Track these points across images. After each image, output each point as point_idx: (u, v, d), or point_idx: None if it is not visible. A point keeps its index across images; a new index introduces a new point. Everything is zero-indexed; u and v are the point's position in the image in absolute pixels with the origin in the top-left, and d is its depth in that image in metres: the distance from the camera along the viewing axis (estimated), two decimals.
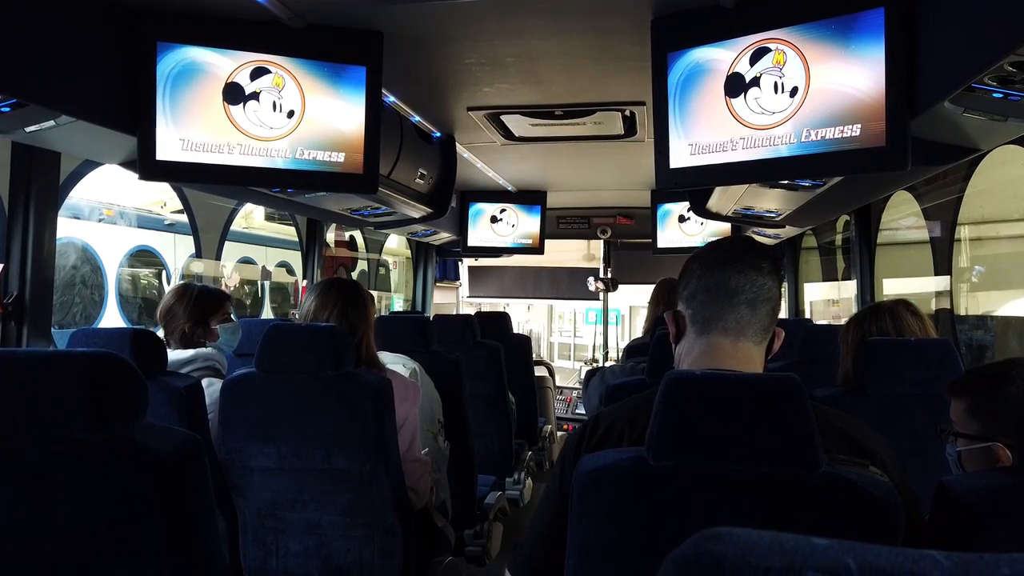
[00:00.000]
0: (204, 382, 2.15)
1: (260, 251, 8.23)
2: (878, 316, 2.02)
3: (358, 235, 7.87)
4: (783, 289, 4.94)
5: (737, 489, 1.01)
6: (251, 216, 8.10)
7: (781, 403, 1.00)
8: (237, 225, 7.25)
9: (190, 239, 6.58)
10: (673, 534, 1.04)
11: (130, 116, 2.01)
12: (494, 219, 5.15)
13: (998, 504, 0.92)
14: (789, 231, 3.98)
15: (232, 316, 2.49)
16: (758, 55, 1.84)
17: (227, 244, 6.85)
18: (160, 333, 2.35)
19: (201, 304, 2.39)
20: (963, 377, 1.35)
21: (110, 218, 6.07)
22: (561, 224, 5.66)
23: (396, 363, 2.63)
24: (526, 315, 13.36)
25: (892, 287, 4.07)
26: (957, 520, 0.93)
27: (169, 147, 2.06)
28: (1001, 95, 1.44)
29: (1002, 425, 1.25)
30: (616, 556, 1.04)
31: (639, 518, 1.04)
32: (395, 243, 8.77)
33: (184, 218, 6.39)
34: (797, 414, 0.99)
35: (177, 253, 6.93)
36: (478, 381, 3.61)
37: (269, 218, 8.25)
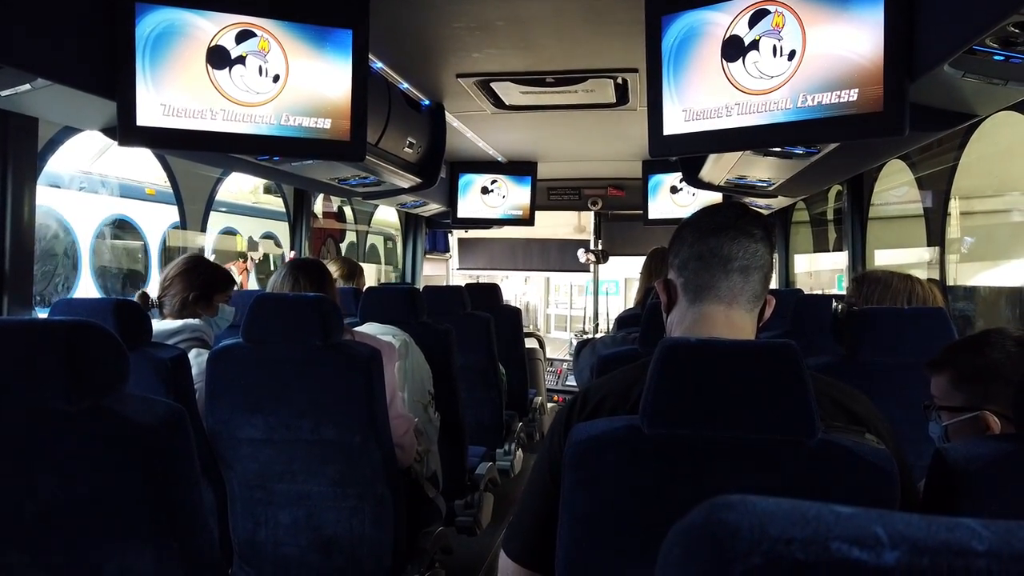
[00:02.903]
0: (191, 353, 2.12)
1: (280, 225, 8.15)
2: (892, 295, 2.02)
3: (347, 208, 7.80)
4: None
5: (732, 457, 1.00)
6: (258, 191, 8.03)
7: (779, 370, 0.98)
8: (247, 200, 7.16)
9: (226, 216, 6.53)
10: (667, 502, 1.03)
11: (109, 80, 1.95)
12: (485, 190, 5.09)
13: (997, 472, 0.90)
14: (781, 201, 3.96)
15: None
16: (757, 17, 1.80)
17: (246, 220, 6.80)
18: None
19: (212, 279, 2.38)
20: (942, 353, 1.35)
21: (152, 196, 5.98)
22: (552, 195, 5.62)
23: (386, 334, 2.60)
24: (523, 287, 13.43)
25: (883, 258, 4.06)
26: (955, 488, 0.91)
27: (150, 112, 2.00)
28: (1002, 57, 1.41)
29: (989, 392, 1.25)
30: (610, 525, 1.03)
31: (633, 487, 1.02)
32: (392, 215, 8.73)
33: (229, 197, 6.39)
34: (795, 381, 0.97)
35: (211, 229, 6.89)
36: (469, 352, 3.60)
37: (269, 191, 8.20)
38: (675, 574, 0.32)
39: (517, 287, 12.99)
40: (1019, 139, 3.24)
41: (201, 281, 2.34)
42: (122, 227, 5.72)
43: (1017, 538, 0.28)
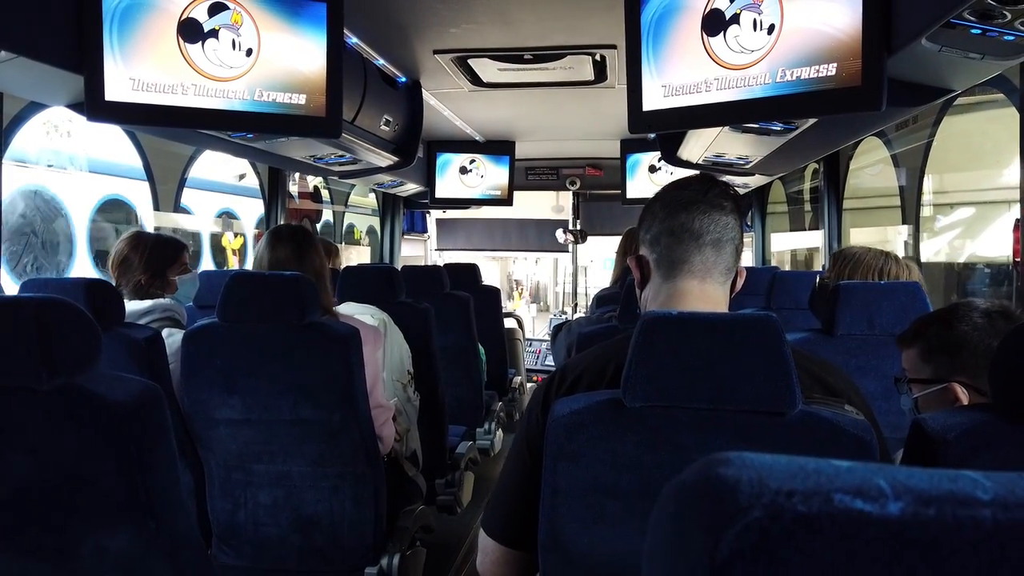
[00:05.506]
0: (164, 332, 2.09)
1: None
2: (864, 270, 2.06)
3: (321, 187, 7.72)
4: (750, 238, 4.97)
5: (713, 429, 1.00)
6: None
7: (760, 342, 0.98)
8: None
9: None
10: (650, 474, 1.03)
11: (76, 53, 1.89)
12: (463, 170, 5.05)
13: (973, 440, 0.92)
14: (758, 180, 3.98)
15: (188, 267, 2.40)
16: None
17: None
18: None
19: (158, 254, 2.28)
20: (911, 327, 1.38)
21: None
22: (530, 175, 5.59)
23: (364, 313, 2.58)
24: (533, 268, 13.87)
25: (858, 236, 4.11)
26: (934, 457, 0.92)
27: (118, 87, 1.95)
28: (979, 31, 1.41)
29: (956, 364, 1.27)
30: (592, 498, 1.03)
31: (614, 460, 1.02)
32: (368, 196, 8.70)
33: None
34: (776, 353, 0.98)
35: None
36: (448, 332, 3.58)
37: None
38: (671, 532, 0.32)
39: (529, 268, 13.48)
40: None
41: (149, 260, 2.25)
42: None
43: (1021, 487, 0.28)
